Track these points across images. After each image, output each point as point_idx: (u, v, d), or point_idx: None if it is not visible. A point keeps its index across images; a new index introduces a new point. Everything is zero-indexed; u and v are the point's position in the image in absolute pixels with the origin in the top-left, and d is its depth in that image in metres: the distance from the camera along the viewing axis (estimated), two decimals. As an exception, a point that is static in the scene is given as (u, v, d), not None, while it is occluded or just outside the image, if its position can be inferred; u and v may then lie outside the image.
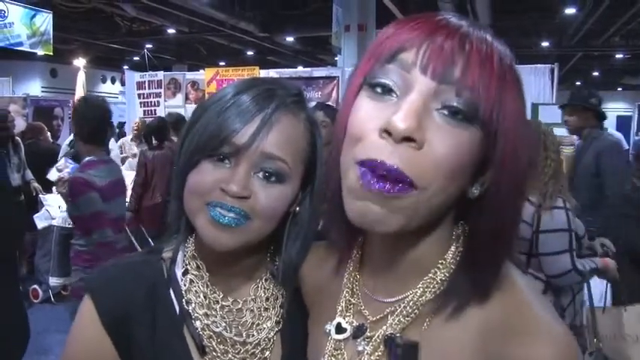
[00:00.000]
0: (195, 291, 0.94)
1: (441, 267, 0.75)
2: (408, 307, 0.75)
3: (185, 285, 0.94)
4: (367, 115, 0.68)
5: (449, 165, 0.65)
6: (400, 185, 0.65)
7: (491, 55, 0.67)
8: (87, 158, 3.00)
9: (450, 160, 0.65)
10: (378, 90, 0.68)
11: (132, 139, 7.58)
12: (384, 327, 0.76)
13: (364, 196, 0.66)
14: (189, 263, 0.95)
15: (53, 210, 5.35)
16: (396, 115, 0.64)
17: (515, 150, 0.69)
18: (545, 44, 14.37)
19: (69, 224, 5.42)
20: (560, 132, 5.52)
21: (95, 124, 2.95)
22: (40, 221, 5.23)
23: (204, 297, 0.94)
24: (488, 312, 0.70)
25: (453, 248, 0.76)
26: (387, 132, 0.64)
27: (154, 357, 0.91)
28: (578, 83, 22.13)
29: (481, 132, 0.66)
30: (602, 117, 4.25)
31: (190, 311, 0.92)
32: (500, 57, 0.68)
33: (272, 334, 0.95)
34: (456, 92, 0.65)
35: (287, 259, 0.96)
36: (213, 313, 0.93)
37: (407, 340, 0.73)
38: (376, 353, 0.77)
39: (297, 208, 0.95)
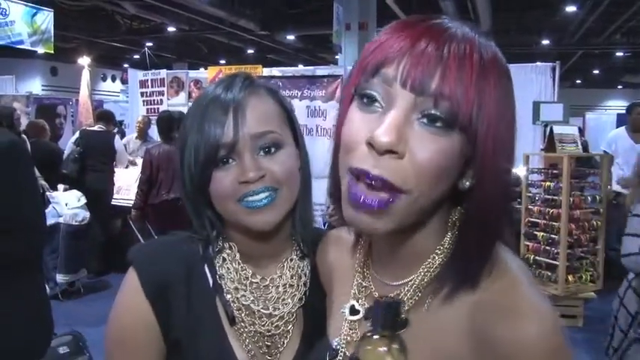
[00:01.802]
0: (228, 268, 1.03)
1: (439, 252, 0.81)
2: (411, 290, 0.81)
3: (219, 262, 1.04)
4: (356, 126, 0.73)
5: (430, 170, 0.69)
6: (386, 198, 0.70)
7: (470, 58, 0.70)
8: None
9: (431, 166, 0.69)
10: (365, 101, 0.73)
11: (136, 137, 7.60)
12: None
13: (355, 206, 0.72)
14: (223, 244, 1.04)
15: (60, 207, 5.38)
16: (378, 130, 0.68)
17: (496, 148, 0.72)
18: (545, 42, 14.37)
19: (76, 222, 5.46)
20: (563, 130, 5.58)
21: None
22: (48, 219, 5.26)
23: (236, 273, 1.03)
24: (480, 294, 0.75)
25: (449, 234, 0.81)
26: (371, 145, 0.69)
27: (189, 324, 1.00)
28: (578, 81, 22.16)
29: (461, 135, 0.70)
30: None
31: (222, 285, 1.02)
32: (481, 56, 0.71)
33: (295, 309, 1.04)
34: (434, 102, 0.69)
35: (302, 217, 1.06)
36: (243, 288, 1.02)
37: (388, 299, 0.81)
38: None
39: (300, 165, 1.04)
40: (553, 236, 5.11)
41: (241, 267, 1.03)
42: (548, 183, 5.24)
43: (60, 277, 5.45)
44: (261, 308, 1.01)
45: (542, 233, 5.22)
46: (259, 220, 0.95)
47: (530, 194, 5.39)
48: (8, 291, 1.93)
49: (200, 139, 0.95)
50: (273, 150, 0.96)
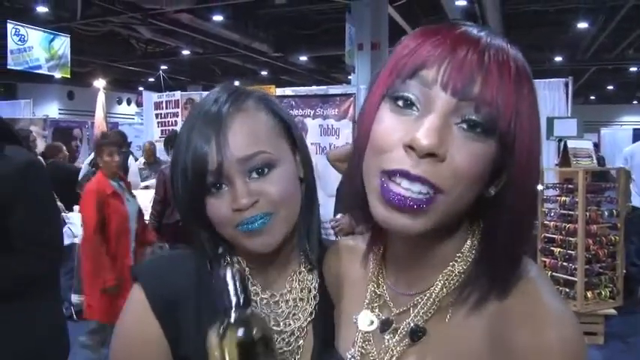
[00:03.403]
0: None
1: (458, 260, 0.79)
2: (430, 300, 0.79)
3: None
4: (390, 127, 0.72)
5: (468, 175, 0.69)
6: (424, 199, 0.69)
7: (508, 65, 0.71)
8: None
9: (469, 171, 0.69)
10: (400, 103, 0.72)
11: (144, 163, 7.60)
12: (408, 319, 0.81)
13: (391, 206, 0.71)
14: (231, 259, 1.01)
15: (76, 228, 5.40)
16: (419, 133, 0.67)
17: (530, 155, 0.73)
18: (558, 59, 14.35)
19: (91, 242, 5.49)
20: (577, 145, 5.55)
21: None
22: (64, 239, 5.28)
23: None
24: (503, 300, 0.74)
25: (468, 242, 0.80)
26: (410, 147, 0.68)
27: (198, 341, 0.94)
28: (592, 97, 22.04)
29: (498, 143, 0.70)
30: None
31: None
32: (516, 65, 0.72)
33: (305, 324, 1.00)
34: (475, 108, 0.69)
35: (308, 228, 1.02)
36: (253, 304, 0.97)
37: None
38: (402, 344, 0.81)
39: (302, 174, 1.00)
40: (570, 252, 5.06)
41: (250, 283, 1.00)
42: (563, 198, 5.20)
43: (75, 298, 5.44)
44: (272, 325, 0.97)
45: (558, 249, 5.16)
46: (258, 242, 0.92)
47: (545, 209, 5.35)
48: (26, 309, 1.94)
49: (189, 164, 0.91)
50: (266, 170, 0.91)
